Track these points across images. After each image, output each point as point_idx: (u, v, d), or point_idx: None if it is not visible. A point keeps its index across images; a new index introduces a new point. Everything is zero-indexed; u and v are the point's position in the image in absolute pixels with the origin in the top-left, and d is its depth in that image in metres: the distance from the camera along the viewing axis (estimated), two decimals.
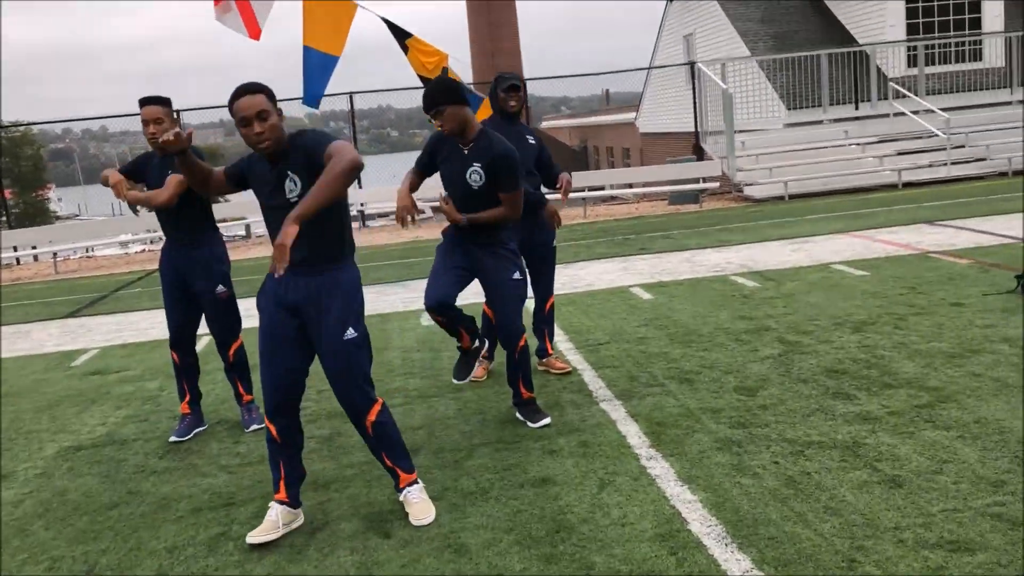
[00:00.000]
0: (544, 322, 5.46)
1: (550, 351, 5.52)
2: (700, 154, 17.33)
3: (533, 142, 5.14)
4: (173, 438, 4.83)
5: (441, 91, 4.18)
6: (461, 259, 4.42)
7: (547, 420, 4.51)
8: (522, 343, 4.45)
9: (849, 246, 9.13)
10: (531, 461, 4.06)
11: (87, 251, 18.07)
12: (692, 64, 18.15)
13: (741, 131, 16.15)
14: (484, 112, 9.84)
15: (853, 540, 3.04)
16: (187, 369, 4.93)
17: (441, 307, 4.31)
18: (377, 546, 3.36)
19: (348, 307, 3.42)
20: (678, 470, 3.79)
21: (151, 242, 17.65)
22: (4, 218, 19.96)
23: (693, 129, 18.08)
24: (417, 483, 3.68)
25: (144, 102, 4.54)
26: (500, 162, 4.20)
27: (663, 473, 3.77)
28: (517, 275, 4.43)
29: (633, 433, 4.28)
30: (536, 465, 4.00)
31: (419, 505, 3.60)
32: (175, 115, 4.62)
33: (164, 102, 4.57)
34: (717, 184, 15.32)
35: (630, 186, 17.75)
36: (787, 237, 10.19)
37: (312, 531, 3.55)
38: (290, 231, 2.97)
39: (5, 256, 15.88)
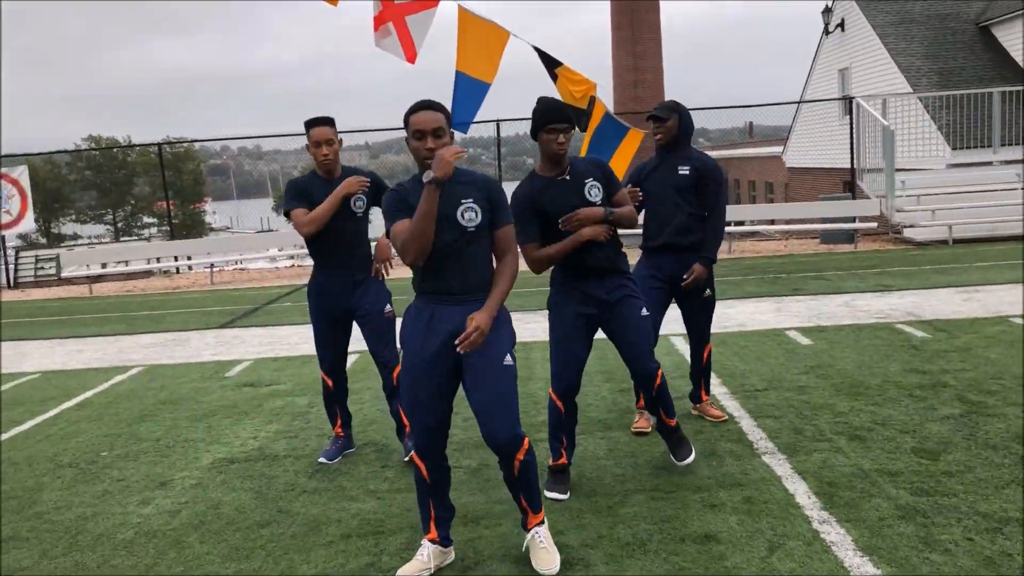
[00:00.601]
0: (702, 373, 5.18)
1: (705, 398, 5.25)
2: (853, 192, 16.58)
3: (686, 172, 4.78)
4: (322, 459, 4.79)
5: (566, 110, 3.95)
6: (584, 327, 4.11)
7: (691, 457, 4.26)
8: (659, 381, 4.14)
9: None
10: (691, 515, 3.81)
11: (237, 263, 18.90)
12: (849, 99, 17.42)
13: (901, 170, 15.34)
14: (632, 142, 9.66)
15: None
16: (340, 393, 4.87)
17: (569, 396, 4.19)
18: None
19: (507, 335, 3.32)
20: (856, 538, 3.47)
21: (295, 257, 18.27)
22: (168, 228, 21.09)
23: (846, 165, 17.32)
24: (543, 523, 3.48)
25: (313, 123, 4.44)
26: (604, 169, 4.07)
27: (839, 540, 3.46)
28: (644, 311, 4.14)
29: (802, 492, 3.97)
30: (696, 519, 3.75)
31: (545, 553, 3.39)
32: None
33: (331, 122, 4.50)
34: (874, 224, 14.57)
35: (771, 222, 17.14)
36: (955, 285, 9.51)
37: (463, 570, 3.42)
38: (483, 325, 3.20)
39: (167, 265, 16.76)
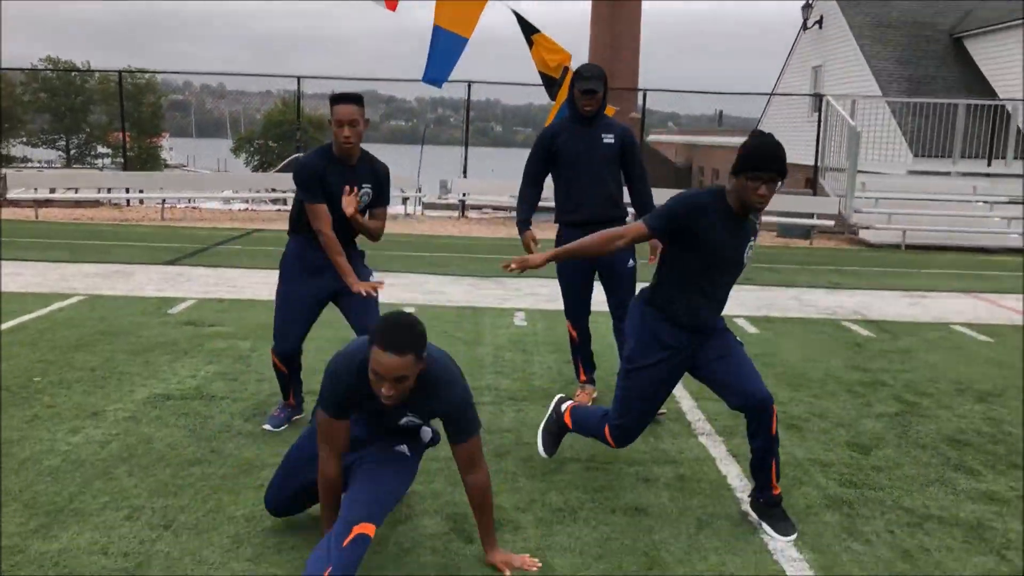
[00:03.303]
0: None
1: None
2: (814, 188, 16.77)
3: (611, 140, 4.65)
4: (267, 427, 4.40)
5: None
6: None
7: (795, 534, 3.47)
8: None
9: (971, 307, 8.61)
10: (624, 486, 3.85)
11: (190, 201, 18.57)
12: (820, 96, 17.56)
13: (862, 171, 15.54)
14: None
15: None
16: (294, 372, 4.48)
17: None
18: (459, 551, 3.21)
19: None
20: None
21: (251, 201, 18.03)
22: (122, 160, 20.57)
23: (810, 162, 17.50)
24: None
25: (339, 99, 3.95)
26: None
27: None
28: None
29: (734, 474, 4.02)
30: (629, 492, 3.79)
31: None
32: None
33: (359, 100, 4.00)
34: (831, 222, 14.76)
35: None
36: (904, 288, 9.69)
37: (394, 523, 3.41)
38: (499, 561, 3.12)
39: (119, 196, 16.38)
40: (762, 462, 3.49)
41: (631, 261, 4.68)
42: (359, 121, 3.98)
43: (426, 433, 3.23)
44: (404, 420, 3.07)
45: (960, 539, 3.44)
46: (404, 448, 3.15)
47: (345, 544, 2.75)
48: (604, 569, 3.10)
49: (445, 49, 9.80)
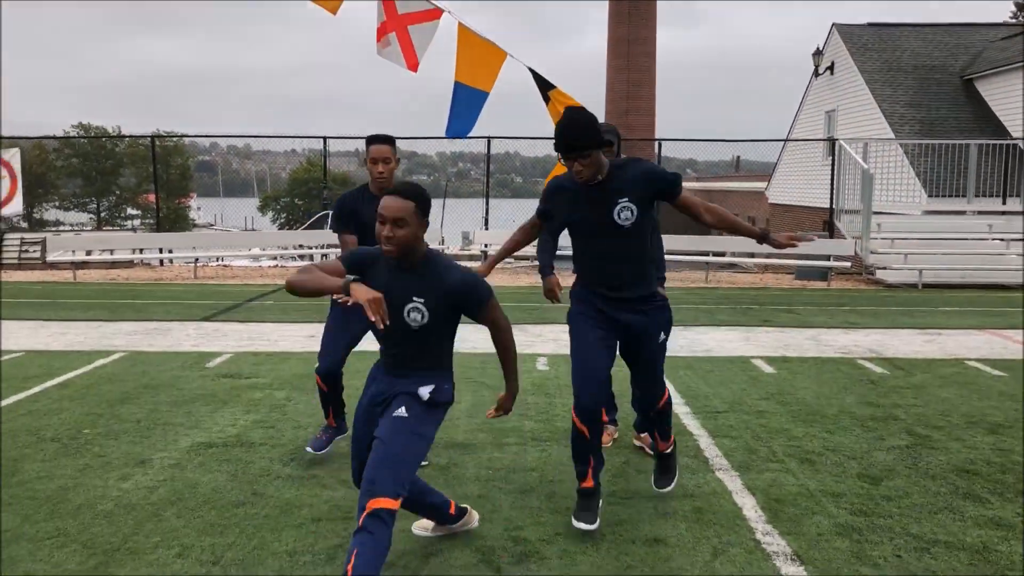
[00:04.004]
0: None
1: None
2: (831, 231, 16.97)
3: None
4: (309, 449, 4.80)
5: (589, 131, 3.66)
6: (607, 331, 3.95)
7: (670, 486, 4.33)
8: (665, 397, 4.23)
9: (986, 343, 8.75)
10: (643, 519, 4.05)
11: (219, 260, 19.06)
12: (833, 140, 17.85)
13: (878, 213, 15.75)
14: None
15: None
16: (335, 392, 4.82)
17: (599, 399, 3.94)
18: None
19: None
20: (795, 549, 3.72)
21: (279, 258, 18.49)
22: (153, 221, 21.17)
23: (826, 205, 17.73)
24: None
25: (374, 140, 4.53)
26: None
27: (779, 550, 3.71)
28: (662, 336, 4.04)
29: (749, 506, 4.22)
30: (648, 524, 3.99)
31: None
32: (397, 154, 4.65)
33: (391, 141, 4.57)
34: (848, 264, 14.94)
35: (751, 255, 17.53)
36: (919, 327, 9.84)
37: (426, 556, 3.64)
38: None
39: (154, 256, 16.89)
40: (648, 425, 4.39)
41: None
42: (391, 158, 4.55)
43: (423, 392, 3.29)
44: (410, 307, 3.22)
45: (966, 562, 3.61)
46: (403, 411, 3.24)
47: (360, 524, 2.99)
48: None
49: (467, 103, 10.22)
